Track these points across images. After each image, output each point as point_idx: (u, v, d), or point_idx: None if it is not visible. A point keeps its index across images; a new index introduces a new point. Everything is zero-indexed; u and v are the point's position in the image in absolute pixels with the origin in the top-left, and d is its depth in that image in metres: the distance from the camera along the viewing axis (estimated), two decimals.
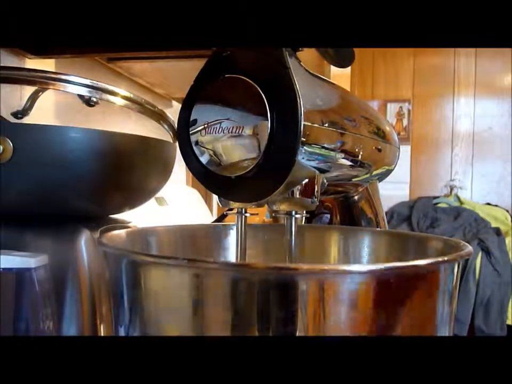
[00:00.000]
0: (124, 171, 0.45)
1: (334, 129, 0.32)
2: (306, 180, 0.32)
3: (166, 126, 0.57)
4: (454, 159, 2.65)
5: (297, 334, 0.23)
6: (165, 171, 0.52)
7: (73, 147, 0.41)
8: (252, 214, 0.36)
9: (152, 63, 0.87)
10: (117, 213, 0.51)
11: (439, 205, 2.49)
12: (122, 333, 0.28)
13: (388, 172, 0.46)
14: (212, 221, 0.84)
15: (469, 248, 0.29)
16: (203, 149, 0.32)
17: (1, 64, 0.57)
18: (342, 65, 0.35)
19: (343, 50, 0.35)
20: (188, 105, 0.32)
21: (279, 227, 0.40)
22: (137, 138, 0.47)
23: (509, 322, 2.03)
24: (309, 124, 0.29)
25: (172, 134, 0.58)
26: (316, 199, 0.33)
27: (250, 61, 0.30)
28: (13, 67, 0.49)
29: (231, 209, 0.36)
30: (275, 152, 0.29)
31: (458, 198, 2.54)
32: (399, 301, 0.24)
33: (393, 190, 2.43)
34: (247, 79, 0.30)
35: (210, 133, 0.31)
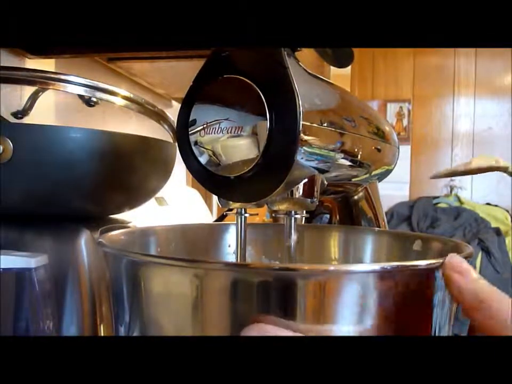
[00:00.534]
0: (124, 171, 0.45)
1: (333, 129, 0.32)
2: (306, 180, 0.32)
3: (166, 126, 0.57)
4: (454, 159, 2.65)
5: (298, 334, 0.23)
6: (165, 171, 0.52)
7: (73, 147, 0.41)
8: (251, 214, 0.36)
9: (152, 63, 0.87)
10: (117, 213, 0.51)
11: (439, 205, 2.49)
12: (122, 332, 0.28)
13: (388, 172, 0.46)
14: (212, 221, 0.84)
15: (470, 249, 0.29)
16: (202, 149, 0.32)
17: (1, 64, 0.57)
18: (341, 65, 0.36)
19: (342, 50, 0.35)
20: (187, 105, 0.32)
21: (279, 227, 0.40)
22: (137, 138, 0.47)
23: None
24: (308, 123, 0.29)
25: (172, 134, 0.58)
26: (315, 199, 0.33)
27: (249, 61, 0.30)
28: (13, 67, 0.49)
29: (231, 210, 0.36)
30: (274, 152, 0.29)
31: (458, 198, 2.54)
32: (400, 301, 0.24)
33: (393, 190, 2.44)
34: (246, 79, 0.30)
35: (209, 133, 0.31)
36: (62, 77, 0.45)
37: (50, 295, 0.35)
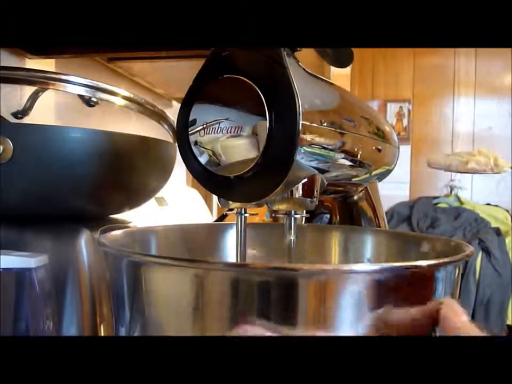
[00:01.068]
0: (124, 171, 0.45)
1: (333, 129, 0.32)
2: (306, 180, 0.32)
3: (166, 126, 0.57)
4: None
5: (298, 334, 0.23)
6: (165, 171, 0.52)
7: (73, 147, 0.41)
8: (251, 214, 0.36)
9: (152, 63, 0.87)
10: (117, 213, 0.51)
11: (439, 205, 2.49)
12: (123, 332, 0.28)
13: (388, 172, 0.46)
14: (212, 221, 0.84)
15: (471, 249, 0.29)
16: (202, 149, 0.32)
17: (1, 64, 0.57)
18: (341, 65, 0.36)
19: (341, 50, 0.35)
20: (186, 105, 0.32)
21: (279, 227, 0.40)
22: (137, 138, 0.47)
23: (509, 322, 2.03)
24: (308, 123, 0.29)
25: (172, 134, 0.58)
26: (315, 199, 0.33)
27: (249, 61, 0.30)
28: (13, 67, 0.49)
29: (231, 210, 0.36)
30: (274, 152, 0.29)
31: (458, 198, 2.54)
32: (400, 301, 0.24)
33: (393, 190, 2.43)
34: (246, 79, 0.30)
35: (209, 133, 0.31)
36: (62, 77, 0.45)
37: (50, 295, 0.35)
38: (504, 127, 2.54)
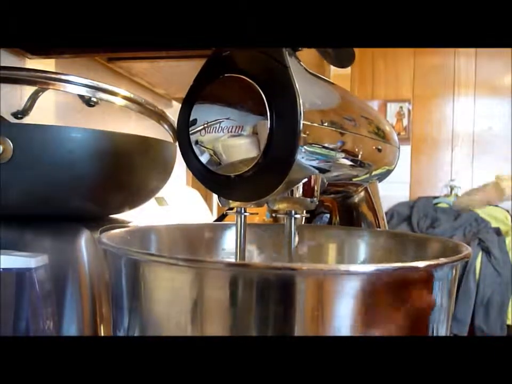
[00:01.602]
0: (124, 171, 0.45)
1: (334, 129, 0.32)
2: (306, 180, 0.32)
3: (166, 126, 0.57)
4: (454, 159, 2.65)
5: (296, 334, 0.23)
6: (165, 171, 0.52)
7: (73, 147, 0.41)
8: (251, 214, 0.36)
9: (152, 63, 0.87)
10: (117, 213, 0.51)
11: (439, 205, 2.49)
12: (122, 332, 0.28)
13: (388, 172, 0.46)
14: (212, 220, 0.84)
15: (468, 250, 0.29)
16: (203, 148, 0.32)
17: (1, 64, 0.57)
18: (342, 65, 0.35)
19: (343, 50, 0.35)
20: (187, 105, 0.32)
21: (279, 227, 0.40)
22: (137, 138, 0.47)
23: (509, 322, 2.03)
24: (309, 123, 0.29)
25: (172, 134, 0.58)
26: (316, 199, 0.33)
27: (249, 61, 0.30)
28: (13, 67, 0.49)
29: (231, 209, 0.36)
30: (274, 151, 0.29)
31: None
32: (398, 301, 0.24)
33: (393, 190, 2.43)
34: (247, 79, 0.30)
35: (210, 132, 0.31)
36: (62, 77, 0.45)
37: (50, 295, 0.35)
38: (504, 127, 2.54)
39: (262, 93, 0.29)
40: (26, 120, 0.59)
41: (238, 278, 0.24)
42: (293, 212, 0.34)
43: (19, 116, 0.59)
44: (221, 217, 0.58)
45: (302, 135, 0.28)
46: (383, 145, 0.41)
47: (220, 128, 0.30)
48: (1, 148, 0.38)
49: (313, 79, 0.33)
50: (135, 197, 0.50)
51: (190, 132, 0.32)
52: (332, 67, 0.38)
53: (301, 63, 0.31)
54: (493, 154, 2.57)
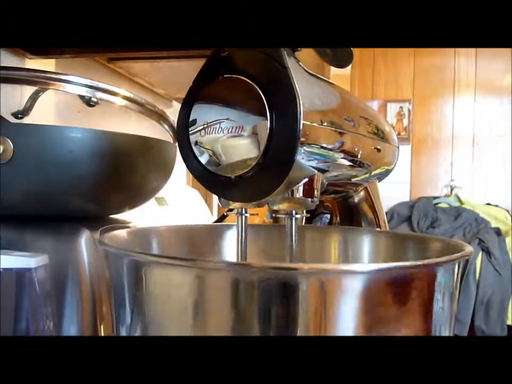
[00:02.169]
0: (124, 171, 0.45)
1: (333, 129, 0.32)
2: (306, 180, 0.32)
3: (166, 126, 0.57)
4: (454, 159, 2.65)
5: (298, 333, 0.23)
6: (165, 171, 0.52)
7: (73, 147, 0.41)
8: (251, 214, 0.36)
9: (152, 63, 0.87)
10: (117, 213, 0.51)
11: (439, 205, 2.49)
12: (123, 332, 0.28)
13: (388, 172, 0.46)
14: (213, 221, 0.84)
15: (469, 248, 0.29)
16: (202, 149, 0.32)
17: (1, 64, 0.57)
18: (340, 65, 0.35)
19: (341, 50, 0.35)
20: (187, 105, 0.32)
21: (280, 227, 0.40)
22: (137, 138, 0.47)
23: (509, 322, 2.03)
24: (308, 123, 0.29)
25: (172, 134, 0.58)
26: (316, 199, 0.33)
27: (249, 61, 0.30)
28: (13, 67, 0.49)
29: (231, 210, 0.36)
30: (274, 151, 0.29)
31: (458, 198, 2.54)
32: (399, 301, 0.24)
33: (393, 190, 2.43)
34: (246, 79, 0.30)
35: (209, 133, 0.31)
36: (62, 77, 0.45)
37: (50, 295, 0.35)
38: (504, 127, 2.54)
39: (261, 93, 0.29)
40: (26, 120, 0.59)
41: (240, 278, 0.24)
42: (294, 212, 0.34)
43: (19, 115, 0.59)
44: (221, 218, 0.58)
45: (302, 135, 0.28)
46: (382, 145, 0.41)
47: (220, 128, 0.30)
48: (1, 148, 0.38)
49: (312, 79, 0.33)
50: (135, 197, 0.50)
51: (190, 133, 0.32)
52: (332, 67, 0.38)
53: (300, 63, 0.31)
54: (493, 154, 2.57)
